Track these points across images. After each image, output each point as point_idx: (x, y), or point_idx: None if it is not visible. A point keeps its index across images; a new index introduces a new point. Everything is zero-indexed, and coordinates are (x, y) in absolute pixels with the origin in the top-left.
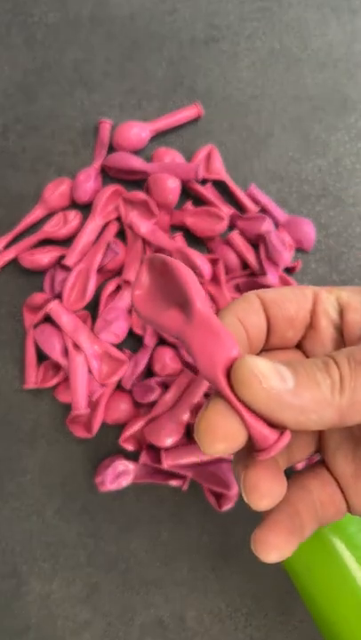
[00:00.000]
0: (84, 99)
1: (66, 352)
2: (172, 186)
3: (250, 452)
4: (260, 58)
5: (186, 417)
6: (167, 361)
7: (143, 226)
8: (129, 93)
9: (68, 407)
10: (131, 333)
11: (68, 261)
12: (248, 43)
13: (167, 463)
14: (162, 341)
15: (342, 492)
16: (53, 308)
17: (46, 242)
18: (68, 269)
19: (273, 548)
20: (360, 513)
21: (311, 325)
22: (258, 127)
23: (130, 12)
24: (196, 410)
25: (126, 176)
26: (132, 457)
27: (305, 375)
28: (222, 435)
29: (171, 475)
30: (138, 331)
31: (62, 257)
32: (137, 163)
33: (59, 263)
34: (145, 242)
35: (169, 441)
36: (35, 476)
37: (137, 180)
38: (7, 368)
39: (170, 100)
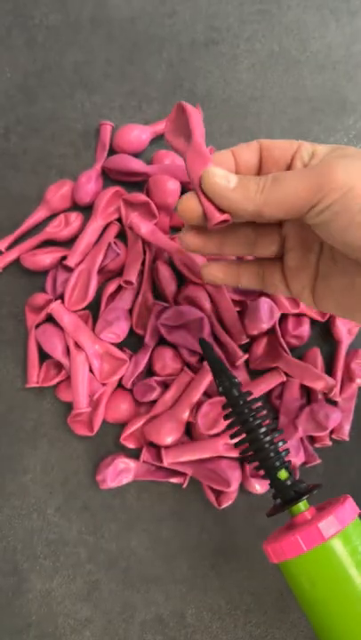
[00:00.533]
0: (84, 101)
1: (67, 352)
2: (172, 187)
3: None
4: (259, 60)
5: (186, 415)
6: (167, 360)
7: (143, 227)
8: (129, 95)
9: (69, 406)
10: (131, 333)
11: (70, 262)
12: (247, 45)
13: (167, 461)
14: (162, 341)
15: (285, 278)
16: (55, 308)
17: (48, 243)
18: (69, 270)
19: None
20: (295, 295)
21: (289, 166)
22: (257, 129)
23: (130, 14)
24: (195, 409)
25: (127, 178)
26: (133, 455)
27: (243, 181)
28: (189, 208)
29: (171, 472)
30: (138, 330)
31: (64, 258)
32: (137, 165)
33: (60, 264)
34: (145, 243)
35: (169, 439)
36: (36, 475)
37: (137, 182)
38: (9, 367)
39: (170, 102)
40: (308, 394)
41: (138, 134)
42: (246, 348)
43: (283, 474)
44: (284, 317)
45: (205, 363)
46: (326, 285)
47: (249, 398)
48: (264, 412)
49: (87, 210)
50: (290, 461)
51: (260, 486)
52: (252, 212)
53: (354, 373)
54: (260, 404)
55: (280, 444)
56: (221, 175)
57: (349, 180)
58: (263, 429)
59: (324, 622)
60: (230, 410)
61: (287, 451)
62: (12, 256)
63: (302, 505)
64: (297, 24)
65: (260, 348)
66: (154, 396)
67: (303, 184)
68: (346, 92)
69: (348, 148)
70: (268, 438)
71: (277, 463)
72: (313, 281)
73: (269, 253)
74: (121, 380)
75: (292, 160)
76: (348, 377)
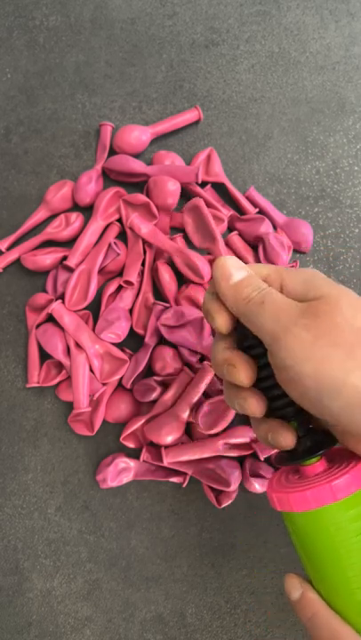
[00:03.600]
0: (85, 101)
1: (68, 351)
2: (172, 188)
3: None
4: (259, 61)
5: (186, 415)
6: (168, 360)
7: (144, 227)
8: (130, 96)
9: (69, 406)
10: (131, 333)
11: (71, 262)
12: (247, 46)
13: (167, 460)
14: (162, 341)
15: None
16: (55, 308)
17: (48, 243)
18: (70, 270)
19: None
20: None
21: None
22: (257, 130)
23: (130, 15)
24: (195, 409)
25: (127, 178)
26: (133, 455)
27: (245, 281)
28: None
29: (171, 472)
30: (138, 330)
31: (64, 258)
32: (137, 165)
33: (61, 264)
34: (145, 243)
35: (169, 439)
36: (37, 474)
37: (138, 183)
38: (10, 367)
39: (170, 102)
40: None
41: (138, 135)
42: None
43: (293, 423)
44: None
45: (205, 362)
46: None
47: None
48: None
49: (87, 210)
50: (302, 412)
51: (259, 485)
52: (233, 310)
53: None
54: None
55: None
56: (234, 265)
57: (297, 355)
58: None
59: (319, 574)
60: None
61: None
62: (12, 256)
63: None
64: (296, 25)
65: None
66: (154, 395)
67: (269, 327)
68: (345, 93)
69: (322, 289)
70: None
71: (287, 411)
72: None
73: None
74: (121, 379)
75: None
76: None
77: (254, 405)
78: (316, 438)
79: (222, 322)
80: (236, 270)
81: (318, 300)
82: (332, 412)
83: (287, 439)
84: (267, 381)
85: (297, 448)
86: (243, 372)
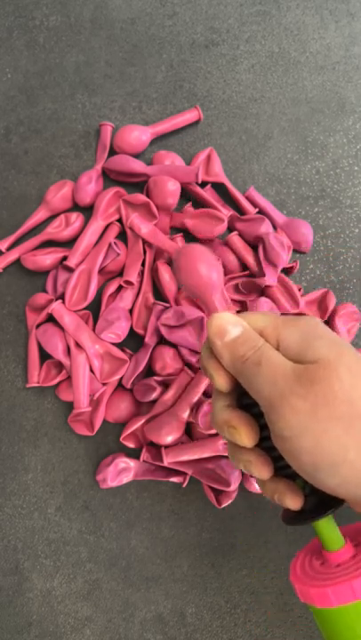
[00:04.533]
0: (85, 101)
1: (68, 351)
2: (172, 188)
3: None
4: (259, 61)
5: (186, 415)
6: (168, 360)
7: (144, 227)
8: (130, 96)
9: (69, 406)
10: (131, 333)
11: (71, 262)
12: (247, 46)
13: (167, 460)
14: (162, 341)
15: None
16: (56, 308)
17: (49, 243)
18: (70, 270)
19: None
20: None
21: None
22: (257, 130)
23: (130, 15)
24: (195, 408)
25: (127, 178)
26: (133, 454)
27: (240, 339)
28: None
29: (171, 472)
30: (138, 330)
31: (64, 258)
32: (137, 165)
33: (61, 264)
34: (145, 243)
35: (169, 439)
36: (37, 474)
37: (138, 183)
38: (10, 367)
39: (170, 102)
40: None
41: (138, 135)
42: None
43: (298, 481)
44: None
45: None
46: None
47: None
48: None
49: (88, 210)
50: None
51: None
52: (229, 369)
53: None
54: None
55: None
56: (229, 320)
57: (296, 425)
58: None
59: None
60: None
61: None
62: (12, 256)
63: (337, 539)
64: (296, 25)
65: None
66: (154, 395)
67: (266, 391)
68: (345, 93)
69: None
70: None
71: (292, 471)
72: None
73: None
74: (121, 379)
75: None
76: None
77: (260, 469)
78: (323, 497)
79: (222, 381)
80: (231, 326)
81: (316, 363)
82: (330, 487)
83: (294, 501)
84: (269, 440)
85: (304, 507)
86: (244, 435)
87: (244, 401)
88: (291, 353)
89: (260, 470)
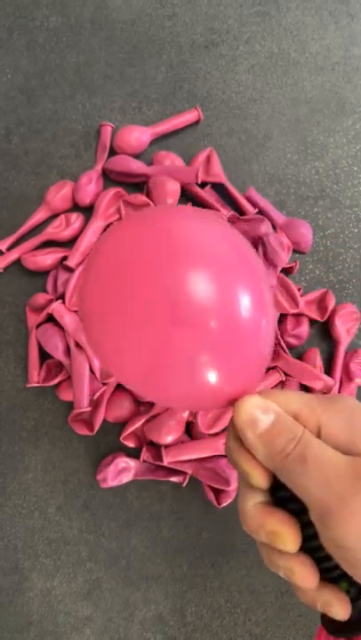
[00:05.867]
0: (85, 102)
1: (68, 351)
2: (171, 188)
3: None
4: (258, 62)
5: (186, 415)
6: None
7: None
8: (129, 97)
9: (70, 405)
10: None
11: (71, 262)
12: (247, 47)
13: (167, 460)
14: None
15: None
16: (56, 308)
17: (49, 243)
18: (70, 270)
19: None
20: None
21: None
22: (256, 130)
23: (130, 16)
24: None
25: (127, 179)
26: (133, 454)
27: (276, 428)
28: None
29: (171, 471)
30: None
31: (64, 258)
32: (137, 166)
33: (61, 264)
34: None
35: (169, 438)
36: (37, 474)
37: (137, 183)
38: (10, 367)
39: (170, 103)
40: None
41: (138, 135)
42: None
43: (343, 585)
44: (283, 317)
45: None
46: None
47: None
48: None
49: (88, 210)
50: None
51: None
52: (265, 464)
53: (353, 373)
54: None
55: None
56: (258, 405)
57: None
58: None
59: None
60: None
61: None
62: (12, 256)
63: None
64: (296, 26)
65: None
66: None
67: (317, 492)
68: (345, 94)
69: None
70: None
71: (335, 573)
72: None
73: None
74: None
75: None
76: (347, 377)
77: (306, 579)
78: None
79: (260, 479)
80: (262, 414)
81: None
82: None
83: (341, 611)
84: (311, 542)
85: (351, 617)
86: (289, 541)
87: (278, 494)
88: (336, 441)
89: (306, 580)
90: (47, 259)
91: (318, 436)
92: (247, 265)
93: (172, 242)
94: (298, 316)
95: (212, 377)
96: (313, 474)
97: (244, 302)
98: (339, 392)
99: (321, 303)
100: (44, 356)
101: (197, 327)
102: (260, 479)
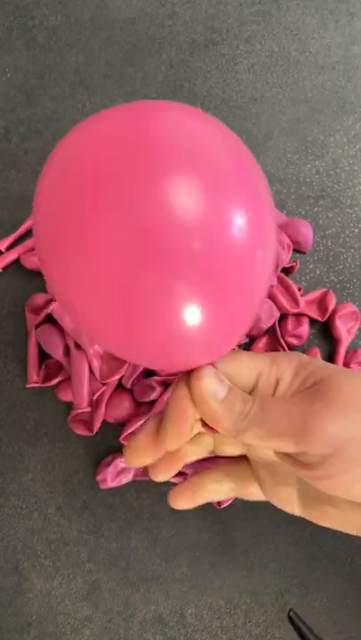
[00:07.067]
0: (85, 101)
1: (67, 351)
2: None
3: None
4: (259, 61)
5: None
6: None
7: None
8: (129, 96)
9: (69, 406)
10: None
11: None
12: (247, 46)
13: None
14: None
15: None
16: (55, 308)
17: None
18: None
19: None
20: (268, 498)
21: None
22: (257, 130)
23: (130, 15)
24: None
25: None
26: None
27: (230, 396)
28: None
29: None
30: None
31: None
32: None
33: None
34: None
35: None
36: (36, 474)
37: None
38: (9, 367)
39: None
40: None
41: None
42: (246, 348)
43: None
44: (283, 317)
45: None
46: (312, 507)
47: None
48: None
49: None
50: None
51: None
52: (231, 434)
53: None
54: None
55: None
56: (217, 378)
57: (339, 439)
58: None
59: None
60: None
61: None
62: (12, 256)
63: None
64: (296, 25)
65: (260, 347)
66: (154, 395)
67: (285, 427)
68: (345, 93)
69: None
70: None
71: None
72: (297, 499)
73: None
74: (121, 379)
75: (256, 382)
76: None
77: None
78: None
79: (187, 435)
80: (219, 385)
81: (320, 382)
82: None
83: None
84: None
85: None
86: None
87: None
88: (292, 390)
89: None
90: None
91: (275, 389)
92: (246, 178)
93: (148, 142)
94: (298, 315)
95: (191, 318)
96: (276, 413)
97: (237, 223)
98: None
99: (321, 303)
100: (43, 356)
101: (175, 254)
102: (187, 435)
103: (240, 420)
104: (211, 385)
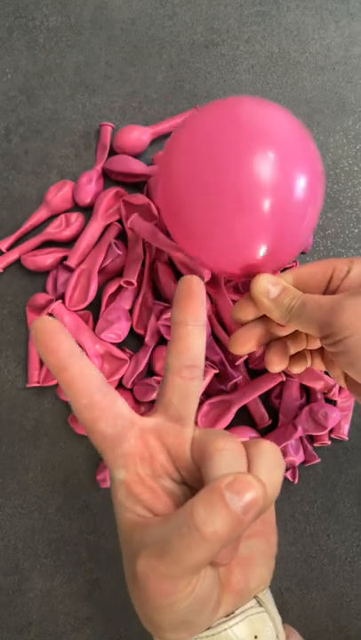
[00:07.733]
0: (85, 102)
1: None
2: None
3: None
4: (259, 61)
5: None
6: None
7: (144, 228)
8: (130, 96)
9: (69, 406)
10: (132, 333)
11: (71, 262)
12: (247, 46)
13: None
14: (162, 341)
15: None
16: (56, 308)
17: (49, 243)
18: (70, 270)
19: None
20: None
21: (331, 280)
22: None
23: (130, 16)
24: None
25: (127, 179)
26: None
27: (281, 295)
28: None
29: None
30: (138, 330)
31: (64, 258)
32: (138, 166)
33: (61, 264)
34: (145, 243)
35: None
36: (37, 474)
37: (138, 183)
38: (10, 367)
39: (170, 103)
40: (307, 393)
41: (138, 135)
42: None
43: None
44: None
45: (206, 362)
46: (354, 384)
47: None
48: None
49: (88, 210)
50: None
51: None
52: (280, 322)
53: None
54: None
55: None
56: (270, 281)
57: (355, 324)
58: None
59: None
60: None
61: None
62: (12, 256)
63: None
64: (296, 25)
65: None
66: (154, 395)
67: (316, 316)
68: (345, 93)
69: None
70: None
71: None
72: (344, 375)
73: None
74: (121, 379)
75: (331, 277)
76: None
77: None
78: None
79: (252, 312)
80: (272, 286)
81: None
82: None
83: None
84: None
85: None
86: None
87: None
88: (357, 282)
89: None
90: (47, 259)
91: (345, 278)
92: (307, 151)
93: (240, 130)
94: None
95: (263, 245)
96: (313, 308)
97: (299, 185)
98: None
99: None
100: None
101: (257, 210)
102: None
103: (286, 312)
104: (264, 286)
